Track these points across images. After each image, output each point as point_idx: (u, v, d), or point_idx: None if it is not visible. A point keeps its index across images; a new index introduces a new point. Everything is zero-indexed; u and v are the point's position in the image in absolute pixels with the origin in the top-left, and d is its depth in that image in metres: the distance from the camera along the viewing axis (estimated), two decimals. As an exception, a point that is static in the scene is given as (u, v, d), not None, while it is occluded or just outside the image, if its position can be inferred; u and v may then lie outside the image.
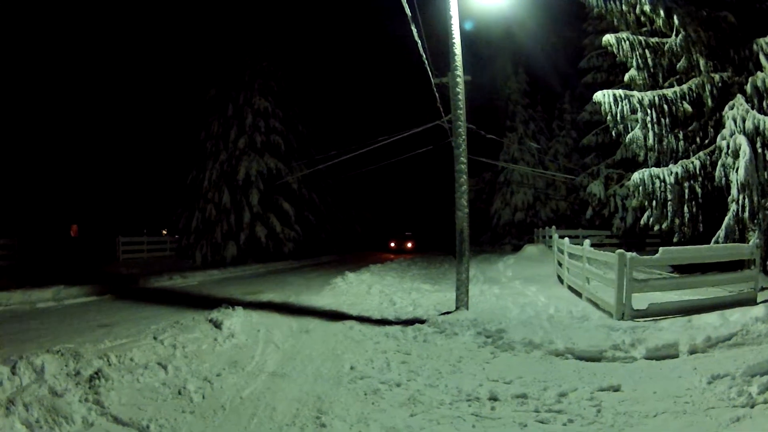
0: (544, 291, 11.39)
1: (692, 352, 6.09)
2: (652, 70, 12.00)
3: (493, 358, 6.58)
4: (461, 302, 9.31)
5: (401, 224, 43.29)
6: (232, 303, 10.25)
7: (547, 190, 31.44)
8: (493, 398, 5.01)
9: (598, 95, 11.86)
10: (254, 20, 24.42)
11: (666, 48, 11.47)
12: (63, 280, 12.81)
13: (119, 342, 6.91)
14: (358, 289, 13.67)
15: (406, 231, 40.06)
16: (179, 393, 5.23)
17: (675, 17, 10.67)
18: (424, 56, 9.76)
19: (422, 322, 8.80)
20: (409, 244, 37.60)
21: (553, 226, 23.11)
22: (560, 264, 12.88)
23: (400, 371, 6.20)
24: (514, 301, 10.24)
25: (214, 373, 5.97)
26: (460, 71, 9.18)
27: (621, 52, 11.90)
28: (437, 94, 13.11)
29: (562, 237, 13.30)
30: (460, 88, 9.27)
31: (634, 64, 11.98)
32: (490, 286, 12.86)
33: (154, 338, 7.18)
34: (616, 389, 5.06)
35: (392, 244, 37.58)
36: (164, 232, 26.56)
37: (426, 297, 12.06)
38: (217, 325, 8.38)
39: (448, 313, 9.31)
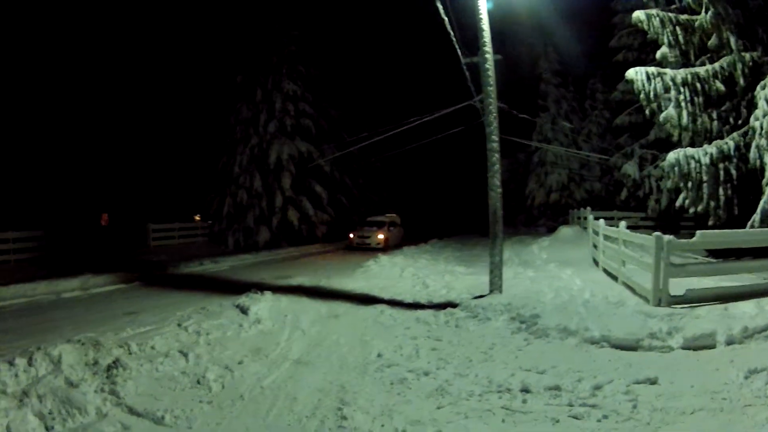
0: (580, 274, 10.90)
1: (729, 342, 5.68)
2: (683, 47, 11.63)
3: (527, 346, 6.22)
4: (495, 285, 8.94)
5: (430, 206, 40.92)
6: (262, 288, 10.10)
7: (582, 171, 30.60)
8: (525, 390, 4.67)
9: (631, 72, 11.49)
10: (281, 4, 24.13)
11: (696, 25, 11.15)
12: (90, 269, 12.80)
13: (142, 330, 6.82)
14: (391, 271, 13.40)
15: (385, 213, 27.52)
16: (198, 382, 5.05)
17: (704, -6, 10.36)
18: (452, 35, 9.32)
19: (455, 306, 8.48)
20: (380, 236, 22.88)
21: (588, 207, 22.42)
22: (595, 246, 12.35)
23: (430, 359, 5.89)
24: (549, 284, 9.80)
25: (235, 361, 5.78)
26: (489, 48, 8.85)
27: (652, 29, 11.53)
28: (467, 74, 12.62)
29: (597, 218, 12.75)
30: (490, 65, 8.92)
31: (666, 41, 11.62)
32: (525, 268, 12.40)
33: (178, 325, 7.08)
34: (653, 382, 4.69)
35: (353, 238, 23.50)
36: (197, 217, 26.82)
37: (460, 280, 11.70)
38: (244, 311, 8.23)
39: (481, 296, 8.94)
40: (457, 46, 9.49)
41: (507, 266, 13.19)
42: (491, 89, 8.94)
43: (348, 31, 30.01)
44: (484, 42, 8.74)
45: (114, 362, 5.06)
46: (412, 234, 27.94)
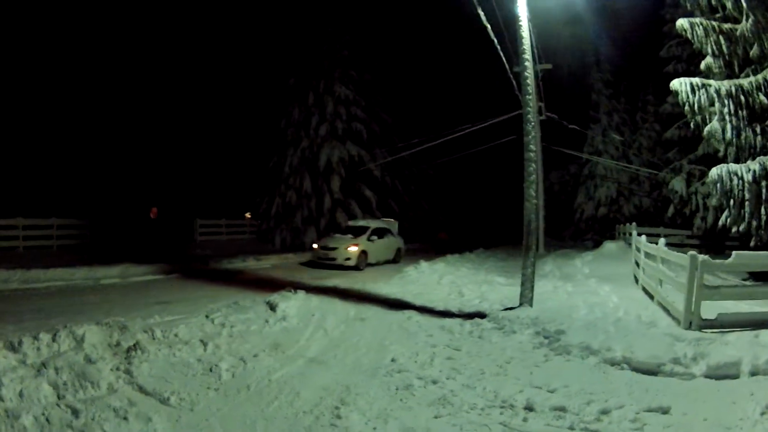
0: (618, 291, 10.49)
1: (753, 373, 5.30)
2: (727, 58, 11.05)
3: (545, 362, 6.04)
4: (525, 298, 8.77)
5: (479, 215, 39.99)
6: (297, 287, 10.30)
7: (631, 185, 29.61)
8: (529, 408, 4.55)
9: (675, 83, 11.12)
10: (334, 9, 24.58)
11: (738, 34, 10.60)
12: (132, 259, 13.16)
13: (170, 318, 7.11)
14: (429, 278, 13.33)
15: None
16: (210, 370, 5.24)
17: (743, 0, 9.93)
18: (495, 42, 9.30)
19: (483, 316, 8.37)
20: (351, 249, 16.08)
21: (634, 223, 21.66)
22: (637, 263, 11.89)
23: (442, 368, 5.84)
24: (585, 300, 9.48)
25: (251, 354, 5.95)
26: (528, 56, 8.77)
27: (695, 38, 11.14)
28: (515, 83, 12.50)
29: (640, 234, 12.27)
30: (529, 73, 8.79)
31: (709, 50, 11.18)
32: (564, 282, 12.06)
33: (206, 316, 7.31)
34: (665, 411, 4.44)
35: (315, 249, 16.92)
36: (248, 215, 27.55)
37: (496, 290, 11.51)
38: (272, 308, 8.43)
39: (511, 308, 8.78)
40: (501, 54, 9.41)
41: (547, 279, 12.91)
42: (530, 98, 8.82)
43: (400, 38, 30.16)
44: (524, 50, 8.66)
45: (134, 345, 5.33)
46: (458, 243, 27.64)
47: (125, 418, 3.96)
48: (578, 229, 30.77)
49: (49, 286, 10.71)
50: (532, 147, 8.82)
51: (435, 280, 13.04)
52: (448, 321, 8.23)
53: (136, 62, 23.29)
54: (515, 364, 5.98)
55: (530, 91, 8.75)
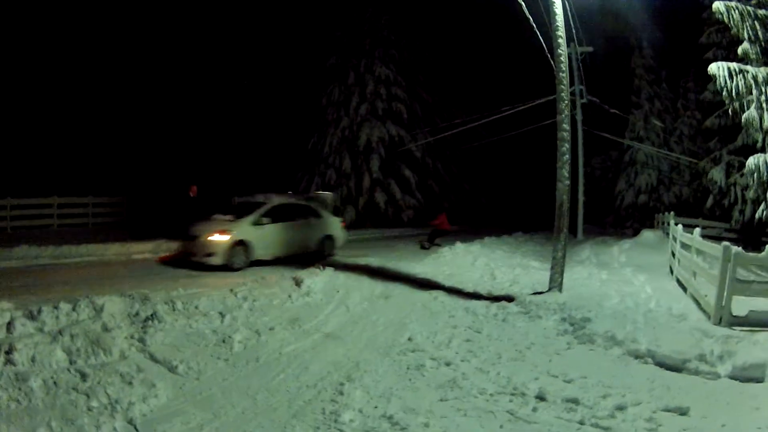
0: (653, 282, 10.06)
1: None
2: (763, 44, 10.56)
3: (567, 350, 5.83)
4: (554, 283, 8.51)
5: (521, 198, 38.93)
6: (328, 264, 10.34)
7: (671, 174, 28.64)
8: (541, 397, 4.36)
9: (713, 67, 10.61)
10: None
11: None
12: (167, 236, 12.97)
13: (194, 291, 7.23)
14: (463, 260, 13.12)
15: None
16: (223, 341, 5.30)
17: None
18: (531, 20, 8.94)
19: (510, 300, 8.17)
20: (217, 239, 10.66)
21: (672, 212, 20.83)
22: (673, 254, 11.36)
23: (459, 350, 5.72)
24: (618, 289, 9.14)
25: (268, 327, 5.99)
26: (561, 33, 8.47)
27: (732, 22, 10.70)
28: (553, 63, 12.03)
29: (677, 224, 11.70)
30: (562, 50, 8.51)
31: (746, 35, 10.67)
32: (600, 270, 11.66)
33: (231, 290, 7.41)
34: (684, 412, 4.15)
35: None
36: (289, 194, 27.81)
37: (530, 274, 11.22)
38: (298, 283, 8.51)
39: (539, 293, 8.52)
40: (537, 32, 9.03)
41: (583, 266, 12.50)
42: (563, 75, 8.52)
43: (442, 18, 29.39)
44: (557, 26, 8.37)
45: (152, 315, 5.45)
46: (496, 225, 27.14)
47: (130, 383, 4.05)
48: (619, 216, 30.16)
49: (79, 262, 10.89)
50: (564, 126, 8.49)
51: (469, 261, 12.83)
52: (474, 303, 8.07)
53: (178, 41, 23.62)
54: (535, 350, 5.79)
55: (563, 69, 8.47)
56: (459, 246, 15.19)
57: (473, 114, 21.81)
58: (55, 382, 3.85)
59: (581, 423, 3.93)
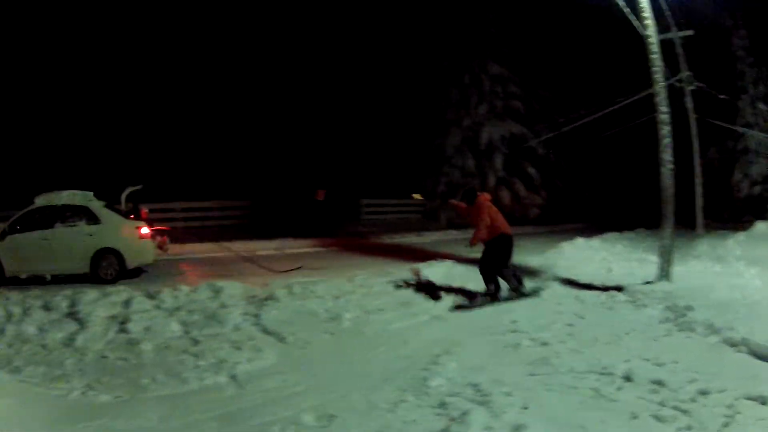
0: (763, 275, 9.09)
1: None
2: None
3: (664, 336, 5.68)
4: (663, 272, 8.33)
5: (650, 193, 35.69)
6: (446, 257, 10.73)
7: None
8: (627, 378, 4.37)
9: None
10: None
11: None
12: (291, 235, 13.73)
13: (313, 279, 7.95)
14: (582, 254, 12.77)
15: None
16: (333, 318, 5.93)
17: None
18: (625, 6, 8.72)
19: (620, 290, 8.02)
20: None
21: None
22: None
23: (558, 333, 5.81)
24: (728, 281, 8.55)
25: (378, 309, 6.53)
26: (648, 14, 8.27)
27: None
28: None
29: None
30: (651, 32, 8.29)
31: None
32: (714, 263, 10.92)
33: (348, 279, 8.06)
34: (764, 402, 3.89)
35: None
36: (418, 196, 28.41)
37: (646, 268, 10.66)
38: (416, 273, 8.96)
39: (649, 283, 8.35)
40: (631, 18, 8.76)
41: (699, 260, 11.79)
42: (655, 56, 8.34)
43: (542, 10, 28.34)
44: (643, 7, 8.14)
45: (269, 296, 6.22)
46: (618, 221, 25.56)
47: (239, 348, 4.76)
48: (736, 209, 27.34)
49: (202, 258, 12.01)
50: (662, 108, 8.28)
51: (587, 255, 12.49)
52: (584, 292, 8.00)
53: (310, 48, 25.18)
54: (634, 335, 5.71)
55: (655, 50, 8.31)
56: (579, 240, 14.77)
57: (590, 107, 20.90)
58: (166, 347, 4.67)
59: (662, 404, 3.90)
